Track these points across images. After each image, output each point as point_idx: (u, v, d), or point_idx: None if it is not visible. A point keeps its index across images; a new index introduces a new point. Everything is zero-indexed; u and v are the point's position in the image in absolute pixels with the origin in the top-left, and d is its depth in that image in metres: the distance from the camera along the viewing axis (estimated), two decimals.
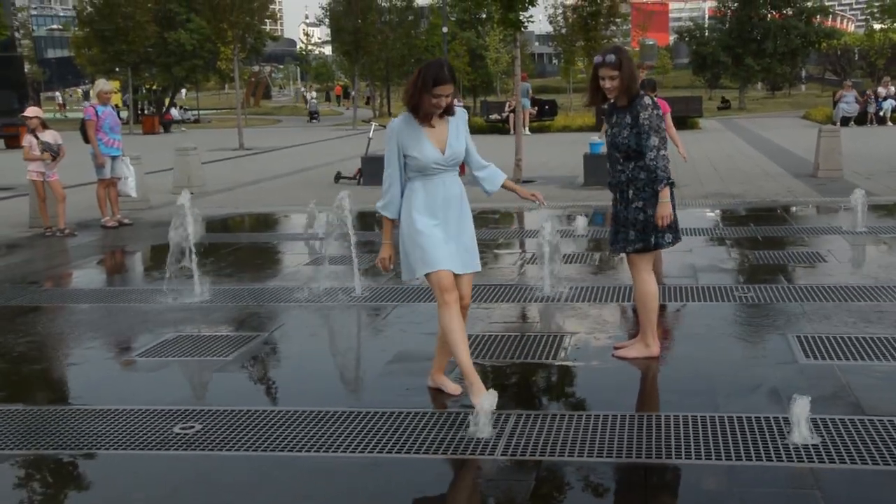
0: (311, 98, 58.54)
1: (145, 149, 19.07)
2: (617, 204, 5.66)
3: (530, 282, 8.18)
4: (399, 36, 51.15)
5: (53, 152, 11.93)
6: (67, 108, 65.65)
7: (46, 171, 12.00)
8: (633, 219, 5.51)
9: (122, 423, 4.89)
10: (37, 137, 11.93)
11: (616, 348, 5.90)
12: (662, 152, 5.36)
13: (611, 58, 5.32)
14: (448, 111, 4.87)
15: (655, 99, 10.41)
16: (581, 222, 10.91)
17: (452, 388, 5.20)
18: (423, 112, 4.79)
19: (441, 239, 4.87)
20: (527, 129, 28.87)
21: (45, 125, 12.16)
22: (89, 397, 5.42)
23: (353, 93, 68.05)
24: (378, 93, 58.42)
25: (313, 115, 52.94)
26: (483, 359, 5.84)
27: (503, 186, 5.09)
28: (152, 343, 6.56)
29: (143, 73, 47.72)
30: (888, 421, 4.53)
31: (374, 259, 9.51)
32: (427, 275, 4.87)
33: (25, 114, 12.33)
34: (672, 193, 5.50)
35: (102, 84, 12.93)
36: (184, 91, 51.52)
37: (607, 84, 5.37)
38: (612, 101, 5.53)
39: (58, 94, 52.08)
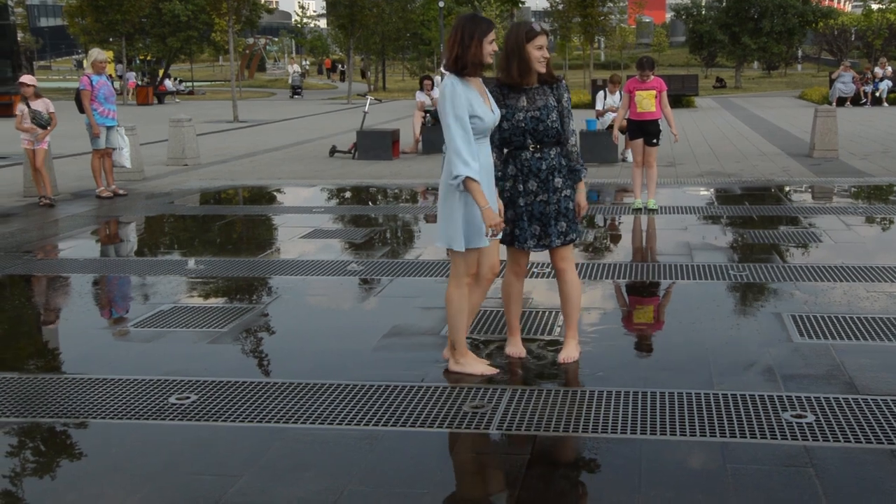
0: (294, 72, 53.48)
1: (139, 120, 18.96)
2: (522, 196, 5.11)
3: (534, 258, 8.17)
4: (395, 10, 50.88)
5: (44, 122, 11.88)
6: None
7: (35, 139, 11.95)
8: (563, 209, 5.15)
9: (118, 392, 4.90)
10: (28, 106, 11.87)
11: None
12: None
13: (546, 26, 5.02)
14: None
15: (653, 76, 10.47)
16: None
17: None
18: (479, 62, 4.74)
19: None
20: None
21: (37, 94, 12.09)
22: (85, 366, 5.41)
23: (340, 67, 67.35)
24: (373, 67, 58.08)
25: (296, 91, 48.48)
26: (479, 333, 5.85)
27: None
28: (148, 313, 6.55)
29: (137, 43, 47.35)
30: (881, 400, 4.55)
31: (369, 233, 9.54)
32: (463, 249, 4.85)
33: (23, 80, 12.22)
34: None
35: (97, 53, 12.80)
36: (160, 60, 49.45)
37: (545, 53, 4.99)
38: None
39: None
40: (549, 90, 5.07)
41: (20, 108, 11.92)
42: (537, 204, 5.11)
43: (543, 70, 5.03)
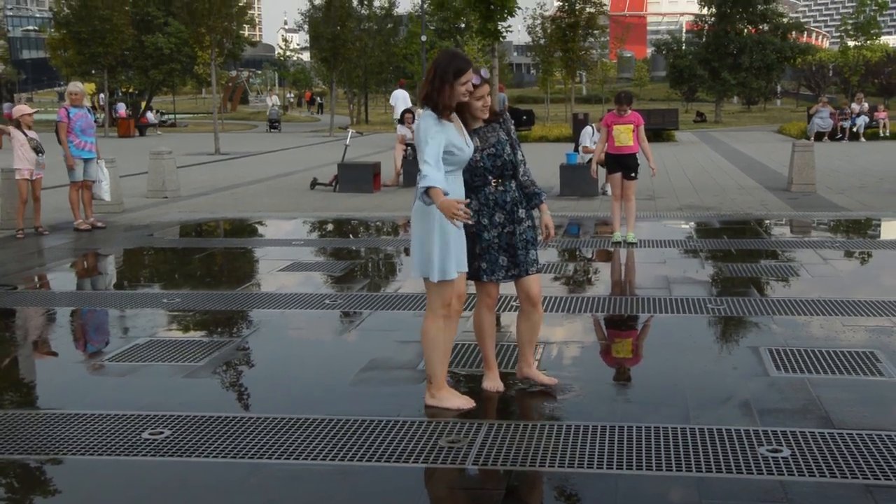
0: (272, 105, 51.53)
1: (120, 152, 18.92)
2: (487, 229, 5.14)
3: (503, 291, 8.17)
4: (378, 43, 51.21)
5: (42, 150, 12.05)
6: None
7: (35, 169, 12.04)
8: (531, 238, 5.27)
9: (91, 427, 4.84)
10: (25, 134, 11.97)
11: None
12: None
13: (486, 72, 4.99)
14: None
15: (630, 111, 10.55)
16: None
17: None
18: (449, 105, 4.74)
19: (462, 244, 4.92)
20: None
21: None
22: (58, 401, 5.35)
23: (319, 100, 67.46)
24: (356, 100, 58.28)
25: (273, 125, 46.61)
26: (455, 367, 5.83)
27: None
28: (123, 347, 6.50)
29: (120, 76, 47.36)
30: (857, 434, 4.56)
31: (348, 266, 9.53)
32: (445, 280, 4.83)
33: (27, 112, 12.29)
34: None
35: (71, 86, 12.92)
36: (143, 92, 48.30)
37: (487, 102, 5.03)
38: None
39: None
40: (497, 126, 5.15)
41: (16, 133, 11.98)
42: (504, 235, 5.18)
43: (486, 116, 5.09)
